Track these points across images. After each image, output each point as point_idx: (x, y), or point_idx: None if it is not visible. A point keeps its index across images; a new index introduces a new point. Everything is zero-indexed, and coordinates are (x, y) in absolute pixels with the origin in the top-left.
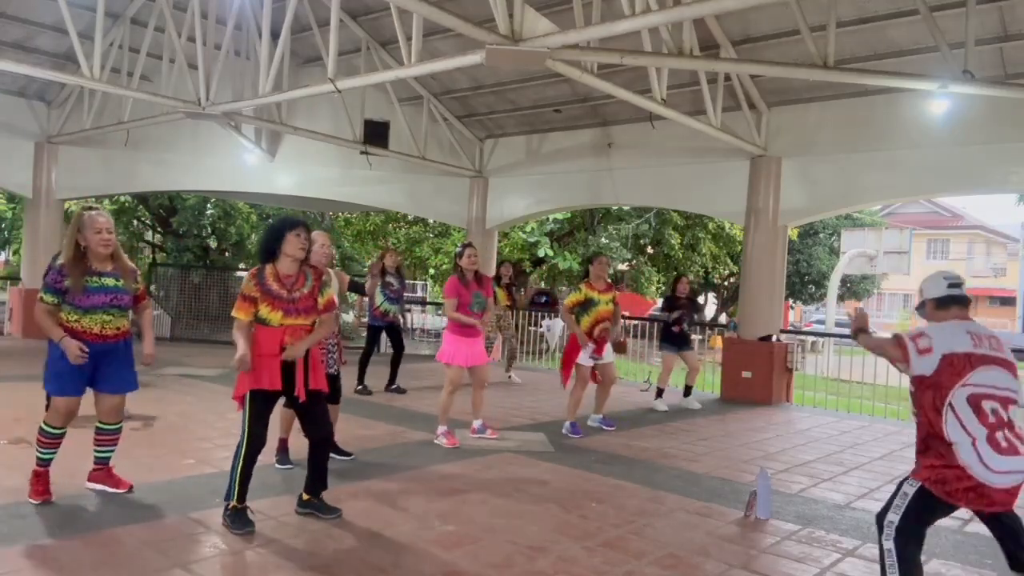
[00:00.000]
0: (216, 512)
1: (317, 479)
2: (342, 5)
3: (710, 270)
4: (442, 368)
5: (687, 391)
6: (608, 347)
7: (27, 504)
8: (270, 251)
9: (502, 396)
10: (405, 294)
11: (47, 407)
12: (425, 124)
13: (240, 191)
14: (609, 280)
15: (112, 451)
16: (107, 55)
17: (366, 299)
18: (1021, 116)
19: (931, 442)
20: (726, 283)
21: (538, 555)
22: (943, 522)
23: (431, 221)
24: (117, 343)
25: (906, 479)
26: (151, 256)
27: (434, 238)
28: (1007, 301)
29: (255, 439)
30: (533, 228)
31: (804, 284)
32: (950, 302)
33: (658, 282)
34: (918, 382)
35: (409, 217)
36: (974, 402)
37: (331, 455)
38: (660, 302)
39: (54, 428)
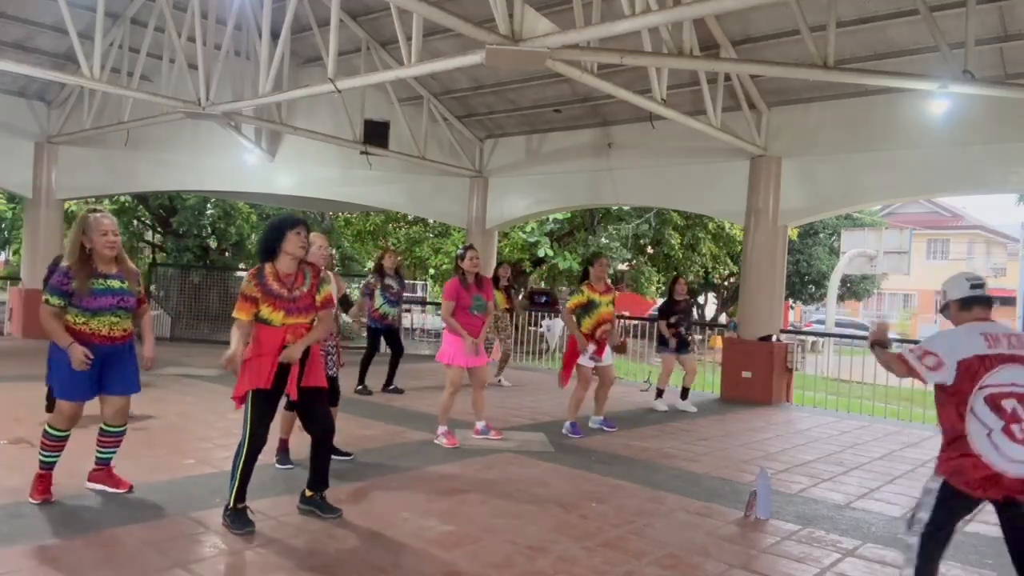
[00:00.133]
0: (216, 512)
1: (319, 478)
2: (342, 5)
3: (710, 270)
4: (442, 368)
5: (684, 393)
6: (608, 349)
7: (27, 504)
8: (270, 249)
9: (502, 396)
10: (405, 294)
11: (47, 407)
12: (425, 124)
13: (240, 191)
14: (609, 282)
15: (114, 452)
16: (107, 55)
17: (366, 300)
18: (1021, 116)
19: (953, 441)
20: (726, 283)
21: (538, 555)
22: None
23: (431, 221)
24: (123, 345)
25: (930, 478)
26: (151, 256)
27: (434, 238)
28: (1007, 301)
29: (256, 439)
30: (533, 228)
31: (804, 284)
32: (973, 303)
33: (658, 282)
34: (940, 390)
35: (409, 217)
36: (993, 401)
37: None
38: (658, 302)
39: (58, 431)
